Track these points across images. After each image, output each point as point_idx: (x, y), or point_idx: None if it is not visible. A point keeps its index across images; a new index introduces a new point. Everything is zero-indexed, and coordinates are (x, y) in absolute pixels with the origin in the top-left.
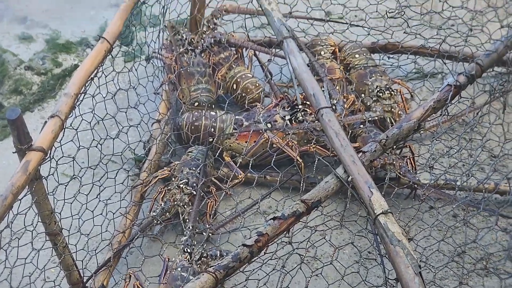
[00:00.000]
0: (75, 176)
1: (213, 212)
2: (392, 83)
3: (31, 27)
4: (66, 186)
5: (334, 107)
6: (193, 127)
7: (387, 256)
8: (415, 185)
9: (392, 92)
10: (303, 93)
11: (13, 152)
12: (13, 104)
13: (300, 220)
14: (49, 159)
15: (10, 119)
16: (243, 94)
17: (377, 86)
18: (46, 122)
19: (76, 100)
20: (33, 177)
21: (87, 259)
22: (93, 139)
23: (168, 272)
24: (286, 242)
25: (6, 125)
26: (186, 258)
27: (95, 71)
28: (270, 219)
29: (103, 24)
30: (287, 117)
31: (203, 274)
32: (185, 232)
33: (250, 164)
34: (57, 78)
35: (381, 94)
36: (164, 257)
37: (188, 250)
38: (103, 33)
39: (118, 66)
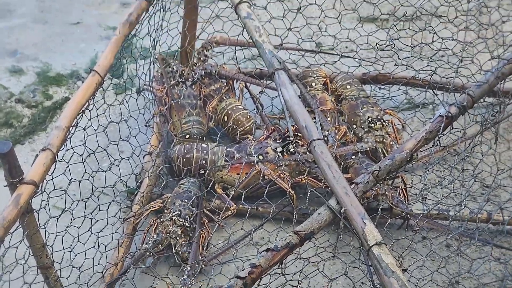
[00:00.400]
0: (66, 209)
1: (206, 243)
2: (384, 114)
3: (22, 60)
4: (57, 219)
5: (326, 138)
6: (184, 160)
7: (381, 287)
8: (408, 216)
9: (384, 123)
10: (295, 125)
11: (4, 186)
12: (3, 137)
13: (293, 251)
14: (40, 192)
15: (1, 153)
16: (234, 127)
17: (368, 117)
18: (37, 155)
19: (68, 133)
20: (24, 211)
21: None
22: (85, 172)
23: None
24: (279, 274)
25: None
26: None
27: (86, 104)
28: (263, 251)
29: (94, 56)
30: (279, 149)
31: None
32: (184, 273)
33: (243, 196)
34: (48, 110)
35: (372, 125)
36: None
37: None
38: (94, 66)
39: (109, 98)
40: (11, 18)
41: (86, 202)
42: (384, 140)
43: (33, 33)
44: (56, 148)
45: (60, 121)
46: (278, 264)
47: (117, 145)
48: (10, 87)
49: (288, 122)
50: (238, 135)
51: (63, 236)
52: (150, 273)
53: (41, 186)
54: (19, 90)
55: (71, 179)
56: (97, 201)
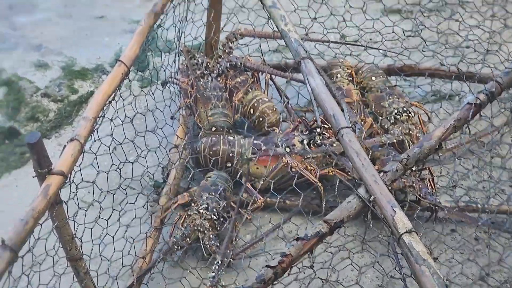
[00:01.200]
0: (95, 200)
1: (234, 237)
2: (410, 105)
3: (46, 54)
4: (86, 210)
5: (354, 126)
6: (211, 152)
7: (412, 276)
8: (436, 207)
9: (410, 114)
10: (322, 115)
11: (33, 177)
12: (30, 131)
13: (323, 241)
14: (69, 183)
15: (30, 143)
16: (260, 119)
17: (394, 108)
18: (65, 146)
19: (95, 124)
20: (53, 202)
21: (109, 285)
22: (112, 163)
23: None
24: (307, 266)
25: (24, 152)
26: None
27: (113, 95)
28: (293, 240)
29: (118, 50)
30: (305, 141)
31: None
32: (213, 268)
33: (270, 188)
34: (73, 104)
35: (398, 117)
36: None
37: None
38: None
39: (135, 91)
40: (36, 12)
41: (114, 194)
42: (411, 131)
43: (57, 28)
44: (83, 139)
45: (88, 112)
46: (308, 253)
47: (144, 137)
48: (35, 81)
49: (316, 111)
50: (264, 127)
51: (91, 228)
52: (179, 266)
53: (69, 177)
54: (44, 85)
55: (99, 170)
56: (125, 193)
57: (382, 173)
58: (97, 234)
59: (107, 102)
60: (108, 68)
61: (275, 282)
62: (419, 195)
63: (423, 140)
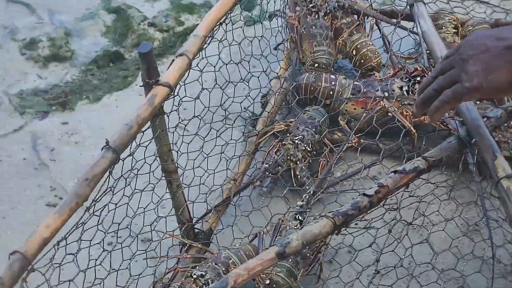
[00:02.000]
0: (195, 116)
1: (324, 171)
2: None
3: None
4: (185, 125)
5: None
6: (312, 88)
7: (507, 220)
8: None
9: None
10: (421, 66)
11: (140, 86)
12: (134, 57)
13: (420, 177)
14: (173, 96)
15: (142, 52)
16: (362, 61)
17: None
18: (173, 60)
19: (204, 43)
20: (157, 112)
21: (198, 200)
22: (216, 84)
23: (278, 235)
24: (393, 209)
25: (127, 76)
26: (296, 226)
27: (224, 17)
28: (391, 172)
29: None
30: (405, 88)
31: (322, 218)
32: (303, 197)
33: (365, 129)
34: (178, 36)
35: None
36: (279, 218)
37: (300, 218)
38: None
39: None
40: None
41: (213, 113)
42: None
43: None
44: (192, 55)
45: (198, 30)
46: (404, 187)
47: (248, 62)
48: (144, 11)
49: (424, 54)
50: (365, 70)
51: (188, 144)
52: (267, 195)
53: (174, 91)
54: (152, 15)
55: (202, 88)
56: (224, 115)
57: (485, 118)
58: (193, 153)
59: (218, 23)
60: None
61: (368, 212)
62: None
63: None
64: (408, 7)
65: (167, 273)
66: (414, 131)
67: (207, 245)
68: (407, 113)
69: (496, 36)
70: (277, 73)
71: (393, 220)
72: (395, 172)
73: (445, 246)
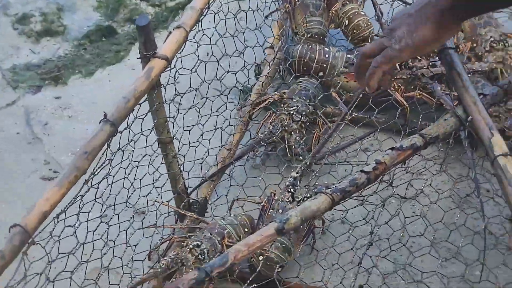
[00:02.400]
0: (191, 88)
1: (317, 143)
2: (506, 36)
3: None
4: (181, 97)
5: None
6: (305, 60)
7: (503, 196)
8: None
9: (506, 44)
10: None
11: (137, 58)
12: (126, 32)
13: (417, 153)
14: (169, 68)
15: (140, 25)
16: (354, 31)
17: (491, 37)
18: (170, 32)
19: (200, 15)
20: (154, 84)
21: (193, 170)
22: (212, 54)
23: (271, 208)
24: (388, 184)
25: (119, 50)
26: (288, 199)
27: None
28: (388, 149)
29: None
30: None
31: (320, 195)
32: (298, 168)
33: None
34: (170, 10)
35: (494, 45)
36: (270, 192)
37: (292, 190)
38: None
39: None
40: None
41: (209, 85)
42: (504, 61)
43: None
44: (189, 27)
45: (195, 3)
46: (401, 164)
47: (243, 33)
48: None
49: None
50: (357, 40)
51: (184, 115)
52: (261, 166)
53: (171, 63)
54: None
55: (198, 60)
56: (220, 87)
57: (481, 96)
58: (188, 124)
59: None
60: None
61: (366, 188)
62: (504, 127)
63: None
64: None
65: (162, 242)
66: (406, 104)
67: (202, 215)
68: (399, 87)
69: (415, 3)
70: (271, 43)
71: (385, 192)
72: (392, 149)
73: (438, 217)
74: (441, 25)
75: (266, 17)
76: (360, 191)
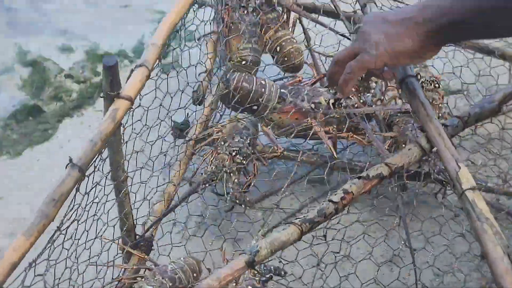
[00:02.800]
0: (147, 126)
1: (249, 184)
2: (435, 78)
3: (71, 39)
4: (137, 134)
5: (419, 76)
6: (242, 90)
7: (472, 232)
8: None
9: (436, 85)
10: None
11: (100, 97)
12: (53, 111)
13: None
14: (132, 109)
15: (108, 66)
16: (285, 58)
17: (421, 77)
18: (132, 70)
19: (162, 51)
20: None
21: (143, 207)
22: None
23: None
24: (320, 237)
25: (47, 129)
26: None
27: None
28: (355, 178)
29: (141, 38)
30: (331, 101)
31: (289, 226)
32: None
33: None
34: (95, 86)
35: (425, 85)
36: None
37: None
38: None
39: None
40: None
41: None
42: (434, 102)
43: (82, 15)
44: (151, 65)
45: (156, 39)
46: (366, 193)
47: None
48: (60, 63)
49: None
50: (288, 67)
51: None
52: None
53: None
54: (68, 66)
55: (158, 99)
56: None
57: (443, 127)
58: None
59: (174, 30)
60: (130, 54)
61: (333, 218)
62: (433, 170)
63: (484, 101)
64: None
65: (111, 283)
66: (336, 156)
67: (147, 253)
68: (333, 131)
69: (391, 12)
70: (207, 68)
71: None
72: (359, 178)
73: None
74: (423, 44)
75: (198, 39)
76: (327, 221)
